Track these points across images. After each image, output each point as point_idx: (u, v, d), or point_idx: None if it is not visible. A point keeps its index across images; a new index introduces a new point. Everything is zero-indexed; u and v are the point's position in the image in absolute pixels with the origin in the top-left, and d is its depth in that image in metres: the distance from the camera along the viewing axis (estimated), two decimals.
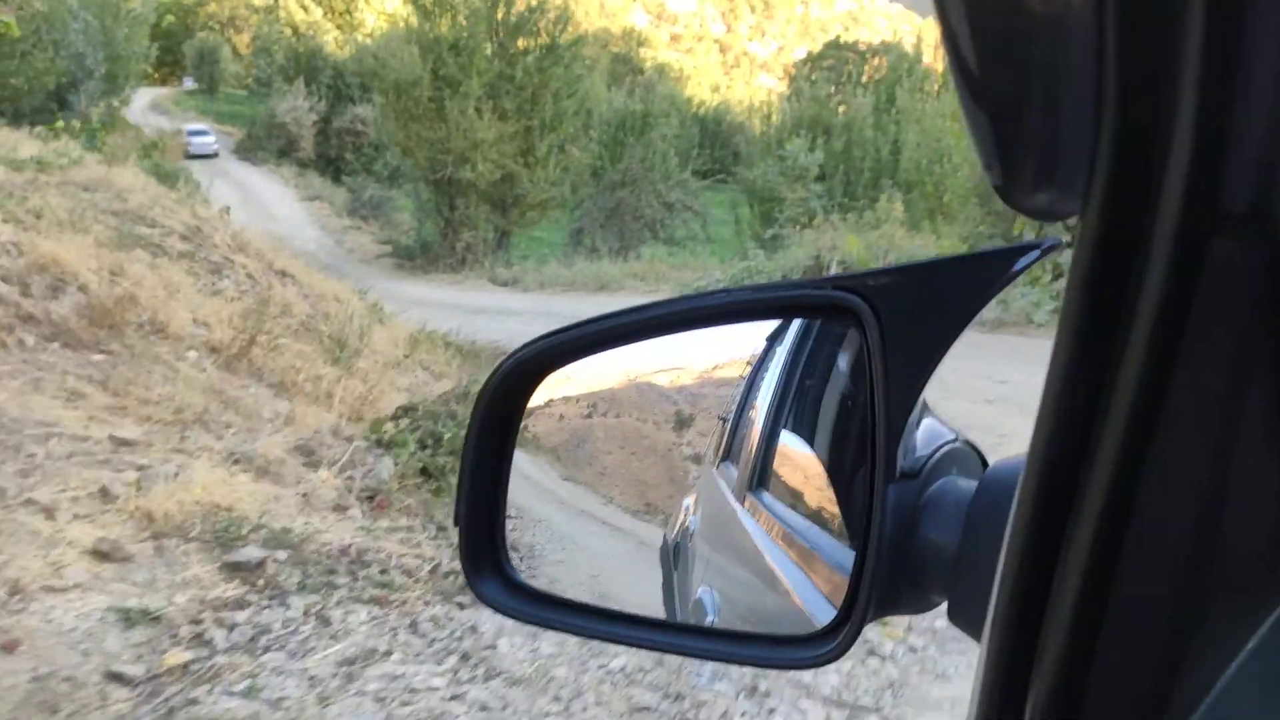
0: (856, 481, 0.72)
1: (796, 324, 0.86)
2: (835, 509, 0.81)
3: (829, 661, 0.71)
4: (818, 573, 0.80)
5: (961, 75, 0.42)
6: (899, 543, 0.68)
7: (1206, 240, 0.39)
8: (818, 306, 0.77)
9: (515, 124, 29.82)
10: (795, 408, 0.89)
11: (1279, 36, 0.34)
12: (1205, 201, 0.39)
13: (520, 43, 30.18)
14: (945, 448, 0.74)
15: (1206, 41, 0.35)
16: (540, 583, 0.85)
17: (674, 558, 0.95)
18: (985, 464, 0.78)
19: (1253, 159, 0.38)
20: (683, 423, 0.95)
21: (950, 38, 0.41)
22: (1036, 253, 0.65)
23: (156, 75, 63.36)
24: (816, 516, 0.85)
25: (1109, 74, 0.38)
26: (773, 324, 0.86)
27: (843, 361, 0.79)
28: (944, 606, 0.72)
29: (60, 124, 20.85)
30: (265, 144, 43.82)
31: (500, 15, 29.92)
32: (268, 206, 33.46)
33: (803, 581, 0.84)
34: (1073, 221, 0.45)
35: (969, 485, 0.70)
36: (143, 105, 50.78)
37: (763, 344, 0.88)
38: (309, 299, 12.39)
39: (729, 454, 0.96)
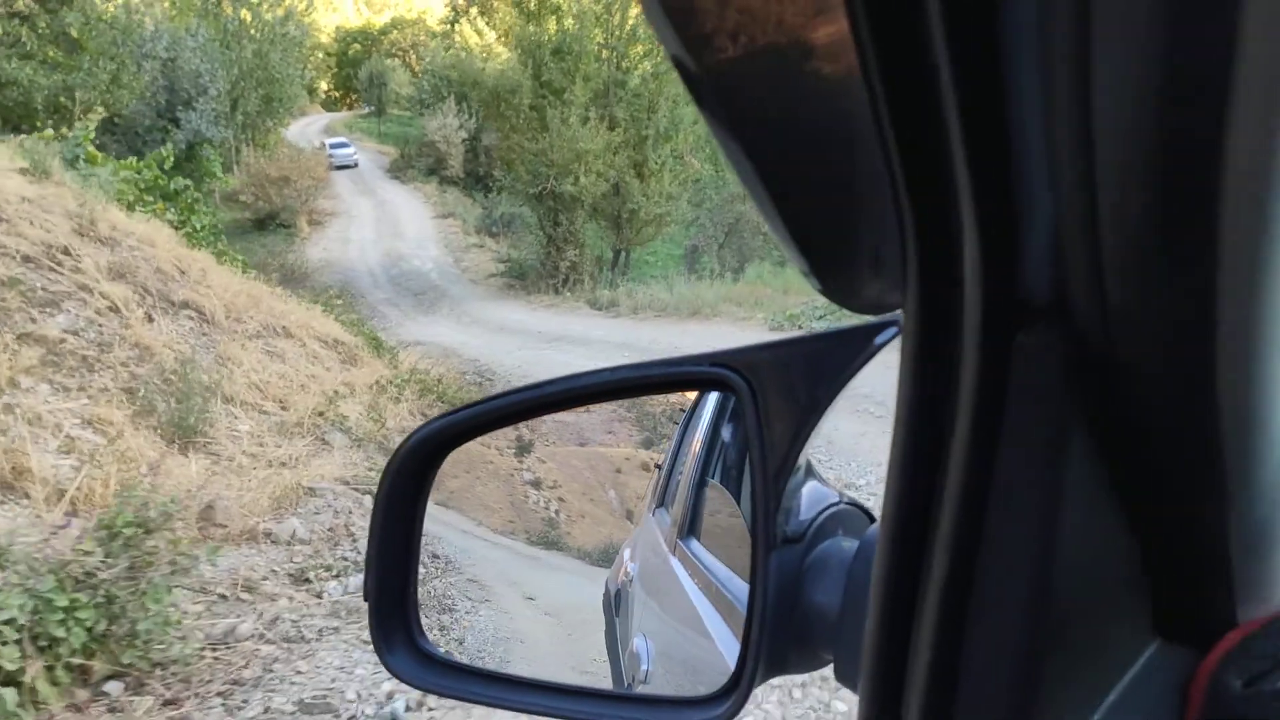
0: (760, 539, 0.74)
1: None
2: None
3: None
4: (738, 625, 0.82)
5: (771, 201, 0.44)
6: (785, 606, 0.70)
7: (1011, 333, 0.41)
8: (698, 381, 0.81)
9: (626, 133, 27.50)
10: (721, 460, 0.91)
11: (1042, 135, 0.36)
12: (1004, 295, 0.41)
13: (638, 47, 27.99)
14: (829, 510, 0.76)
15: (970, 139, 0.37)
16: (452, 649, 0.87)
17: (615, 605, 0.98)
18: (872, 521, 0.80)
19: (1042, 250, 0.40)
20: (523, 449, 1.00)
21: (757, 168, 0.43)
22: (895, 329, 0.67)
23: (345, 100, 67.60)
24: (738, 568, 0.87)
25: (897, 175, 0.40)
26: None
27: (726, 433, 0.83)
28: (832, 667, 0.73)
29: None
30: (415, 162, 44.06)
31: (616, 19, 27.78)
32: (399, 224, 33.75)
33: (724, 632, 0.86)
34: None
35: (852, 545, 0.72)
36: (318, 128, 53.15)
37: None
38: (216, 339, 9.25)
39: (663, 501, 0.99)
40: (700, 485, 0.94)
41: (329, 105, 69.09)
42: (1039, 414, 0.43)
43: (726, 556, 0.90)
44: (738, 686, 0.72)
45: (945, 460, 0.45)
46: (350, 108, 66.48)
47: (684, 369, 0.79)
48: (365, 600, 0.82)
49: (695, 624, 0.91)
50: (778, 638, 0.69)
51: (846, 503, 0.79)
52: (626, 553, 1.00)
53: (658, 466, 0.99)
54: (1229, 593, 0.52)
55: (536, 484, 1.02)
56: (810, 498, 0.75)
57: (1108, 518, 0.48)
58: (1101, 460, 0.46)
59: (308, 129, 50.22)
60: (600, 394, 0.82)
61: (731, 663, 0.78)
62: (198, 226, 17.32)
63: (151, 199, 15.78)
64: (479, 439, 0.89)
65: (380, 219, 32.55)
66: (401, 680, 0.83)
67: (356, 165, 44.07)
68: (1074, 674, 0.48)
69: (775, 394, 0.69)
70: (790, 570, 0.71)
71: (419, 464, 0.83)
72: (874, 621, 0.49)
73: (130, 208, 12.75)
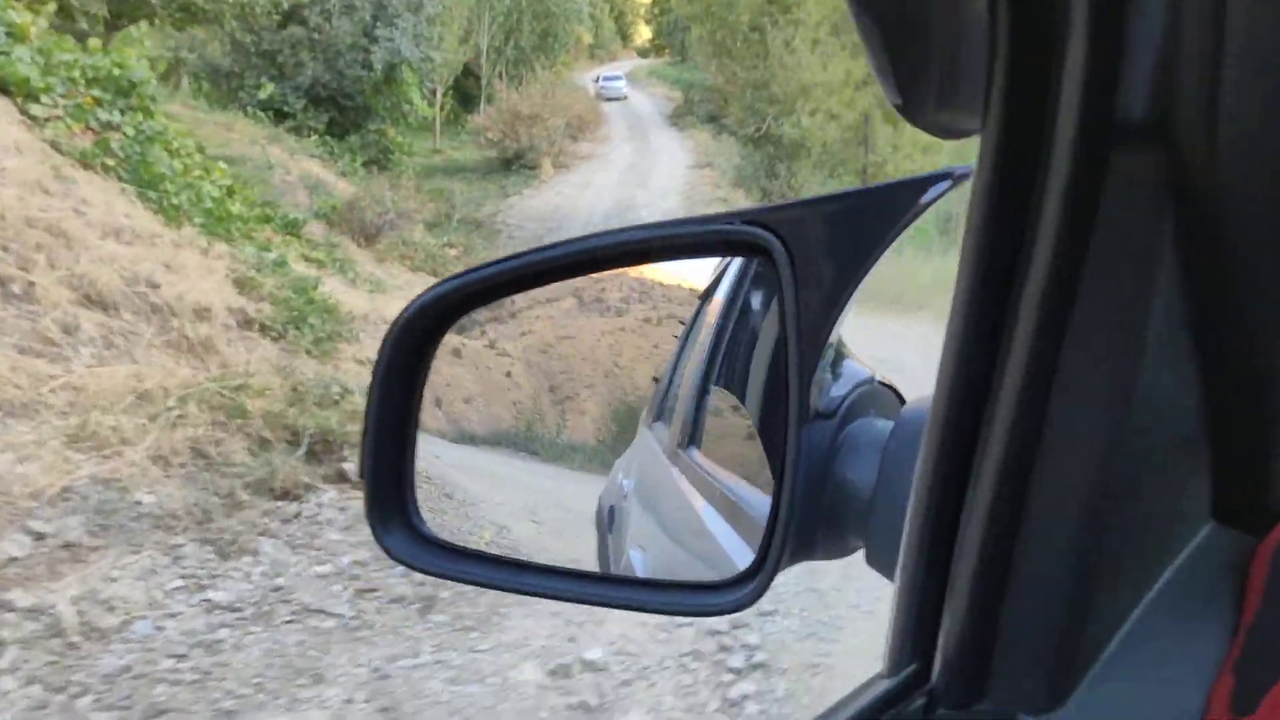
0: (777, 427, 0.69)
1: (726, 278, 0.85)
2: (762, 462, 0.80)
3: (741, 608, 0.69)
4: (743, 525, 0.78)
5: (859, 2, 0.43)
6: (814, 485, 0.66)
7: (1106, 153, 0.39)
8: (728, 243, 0.74)
9: None
10: (726, 362, 0.87)
11: None
12: (1102, 114, 0.39)
13: None
14: (862, 388, 0.72)
15: None
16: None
17: (609, 520, 0.96)
18: (903, 404, 0.74)
19: (1147, 71, 0.38)
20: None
21: None
22: (949, 182, 0.63)
23: (662, 48, 68.18)
24: (744, 471, 0.83)
25: None
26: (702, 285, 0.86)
27: (758, 304, 0.78)
28: (862, 553, 0.68)
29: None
30: (695, 108, 42.23)
31: None
32: (650, 172, 31.73)
33: (729, 534, 0.82)
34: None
35: (885, 425, 0.67)
36: (623, 73, 53.34)
37: (695, 303, 0.88)
38: None
39: (661, 414, 0.96)
40: (702, 393, 0.91)
41: (645, 53, 70.45)
42: (1129, 249, 0.40)
43: (730, 461, 0.86)
44: (760, 570, 0.67)
45: (1015, 306, 0.42)
46: (664, 54, 67.34)
47: (713, 228, 0.73)
48: (360, 477, 0.78)
49: (697, 528, 0.88)
50: (806, 517, 0.65)
51: (879, 380, 0.74)
52: (620, 469, 0.98)
53: (655, 380, 0.97)
54: None
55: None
56: (843, 374, 0.71)
57: (1183, 378, 0.45)
58: (1186, 310, 0.42)
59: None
60: (621, 257, 0.78)
61: (739, 562, 0.74)
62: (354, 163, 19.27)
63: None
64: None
65: (633, 165, 31.27)
66: (399, 562, 0.80)
67: (625, 98, 44.29)
68: (1129, 554, 0.46)
69: (814, 254, 0.64)
70: (821, 447, 0.67)
71: (421, 333, 0.78)
72: (920, 496, 0.47)
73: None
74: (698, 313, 0.89)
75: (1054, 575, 0.44)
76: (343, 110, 22.85)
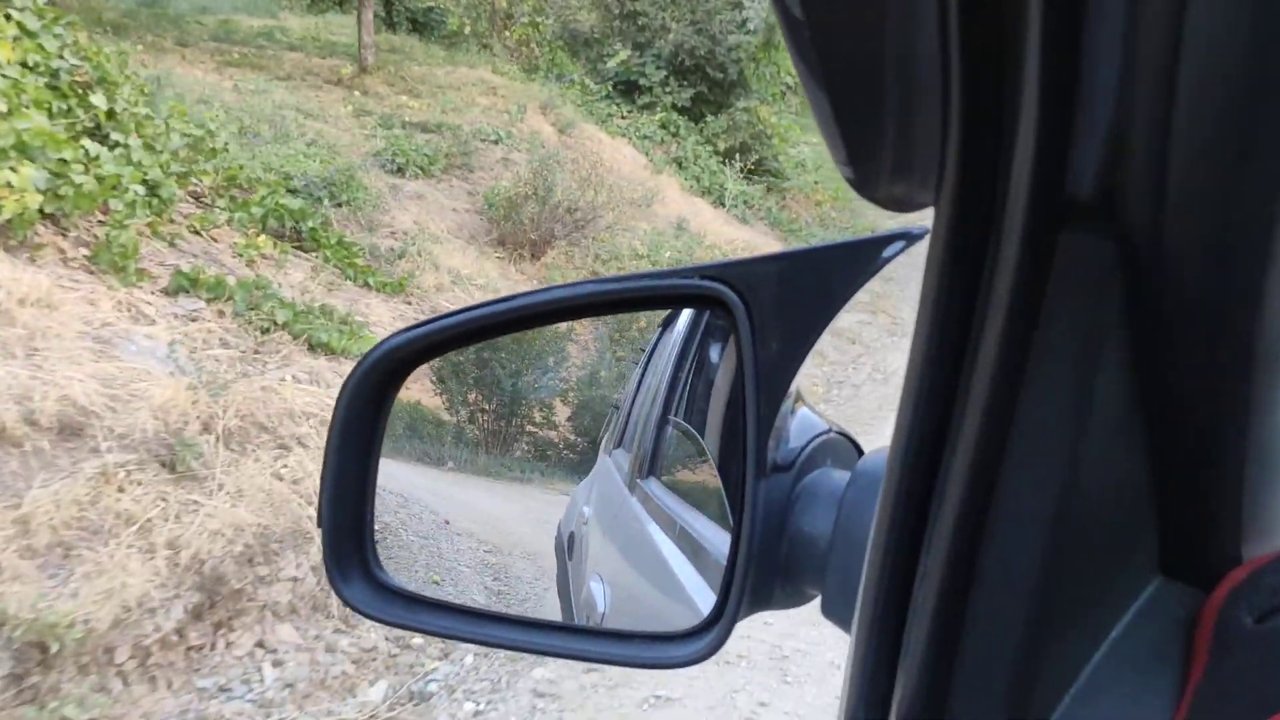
0: (735, 474, 0.70)
1: (686, 313, 0.85)
2: (722, 499, 0.79)
3: (699, 660, 0.69)
4: (701, 561, 0.79)
5: (808, 70, 0.42)
6: (771, 537, 0.67)
7: (1055, 232, 0.40)
8: (687, 297, 0.75)
9: None
10: (685, 396, 0.88)
11: (1119, 28, 0.35)
12: (1052, 192, 0.39)
13: None
14: (819, 439, 0.72)
15: (1046, 30, 0.35)
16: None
17: (568, 548, 0.95)
18: (861, 454, 0.75)
19: (1097, 150, 0.38)
20: None
21: (794, 30, 0.41)
22: (903, 243, 0.64)
23: None
24: (703, 506, 0.83)
25: (954, 65, 0.38)
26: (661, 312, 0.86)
27: (715, 351, 0.79)
28: (819, 601, 0.69)
29: None
30: None
31: None
32: None
33: (686, 569, 0.83)
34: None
35: (843, 476, 0.68)
36: None
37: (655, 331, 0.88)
38: None
39: (621, 441, 0.96)
40: (662, 424, 0.91)
41: None
42: (1077, 323, 0.41)
43: (691, 495, 0.87)
44: (719, 620, 0.68)
45: (969, 371, 0.43)
46: None
47: (673, 282, 0.74)
48: (318, 526, 0.77)
49: (658, 564, 0.88)
50: (763, 569, 0.66)
51: (836, 432, 0.75)
52: (581, 494, 0.98)
53: (615, 407, 0.96)
54: (1236, 530, 0.51)
55: None
56: (800, 425, 0.72)
57: (1130, 441, 0.46)
58: (1133, 374, 0.43)
59: None
60: (580, 309, 0.78)
61: (699, 602, 0.75)
62: None
63: None
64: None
65: None
66: (357, 611, 0.80)
67: None
68: (1080, 610, 0.47)
69: (771, 310, 0.65)
70: (778, 499, 0.67)
71: (377, 383, 0.78)
72: (876, 548, 0.48)
73: None
74: (658, 339, 0.89)
75: (1007, 631, 0.44)
76: (711, 84, 16.42)
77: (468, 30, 16.61)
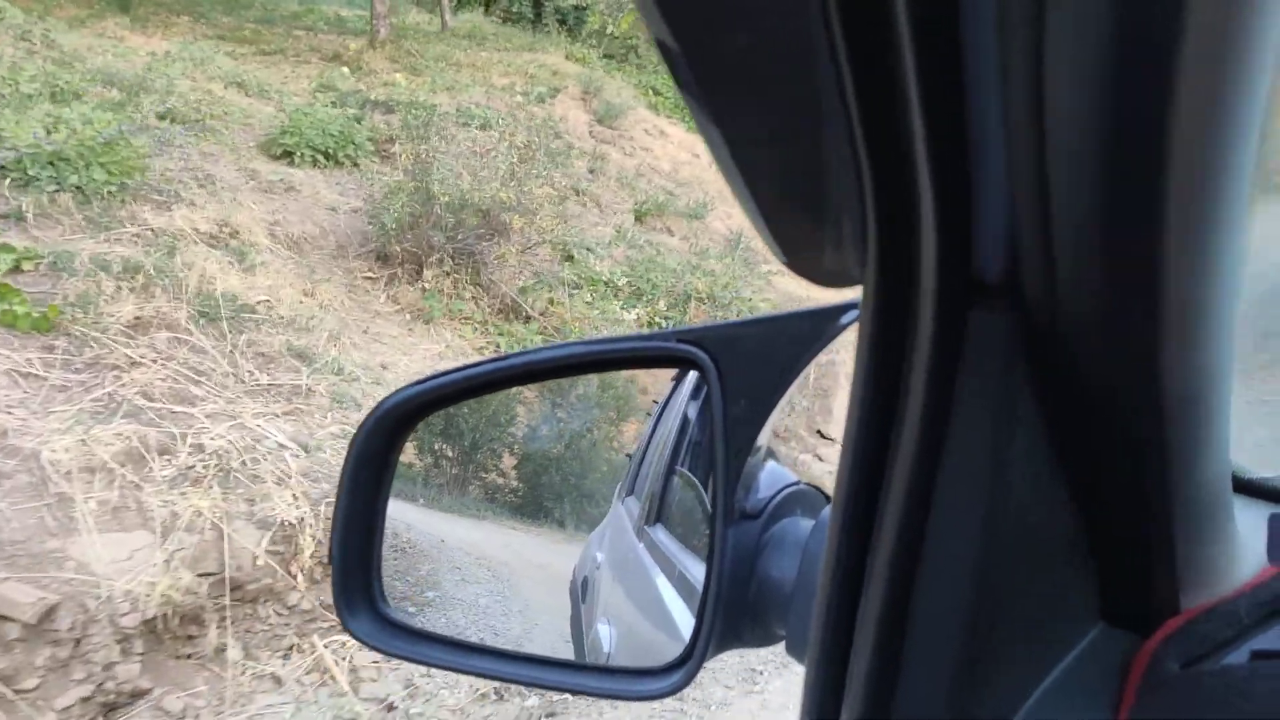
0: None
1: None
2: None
3: (669, 694, 0.75)
4: (695, 605, 0.85)
5: (740, 183, 0.46)
6: (741, 579, 0.71)
7: (965, 309, 0.44)
8: (666, 358, 0.81)
9: None
10: (691, 448, 0.93)
11: (998, 114, 0.38)
12: (958, 274, 0.43)
13: None
14: (788, 489, 0.77)
15: (932, 126, 0.39)
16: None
17: (582, 592, 1.01)
18: (829, 501, 0.79)
19: (994, 238, 0.42)
20: None
21: (716, 150, 0.45)
22: (856, 311, 0.67)
23: None
24: (700, 552, 0.88)
25: (862, 166, 0.42)
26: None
27: (691, 410, 0.84)
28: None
29: None
30: None
31: None
32: None
33: (685, 615, 0.88)
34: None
35: (808, 524, 0.73)
36: None
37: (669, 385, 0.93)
38: None
39: (633, 489, 1.01)
40: (669, 473, 0.96)
41: None
42: (990, 387, 0.44)
43: (689, 541, 0.92)
44: (690, 658, 0.74)
45: (898, 432, 0.47)
46: None
47: (652, 344, 0.81)
48: (329, 562, 0.86)
49: (656, 605, 0.93)
50: (732, 611, 0.71)
51: (805, 484, 0.80)
52: (594, 541, 1.03)
53: (628, 456, 1.02)
54: (1172, 579, 0.53)
55: None
56: (769, 477, 0.77)
57: (1055, 493, 0.49)
58: (1050, 435, 0.47)
59: None
60: (567, 368, 0.84)
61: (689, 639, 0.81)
62: None
63: None
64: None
65: None
66: (362, 644, 0.86)
67: None
68: (1016, 652, 0.49)
69: (740, 371, 0.70)
70: (747, 545, 0.72)
71: (386, 433, 0.85)
72: (822, 593, 0.51)
73: None
74: (671, 393, 0.94)
75: (942, 675, 0.46)
76: None
77: (610, 30, 15.76)
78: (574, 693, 0.86)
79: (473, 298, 7.29)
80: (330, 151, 8.30)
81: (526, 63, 12.91)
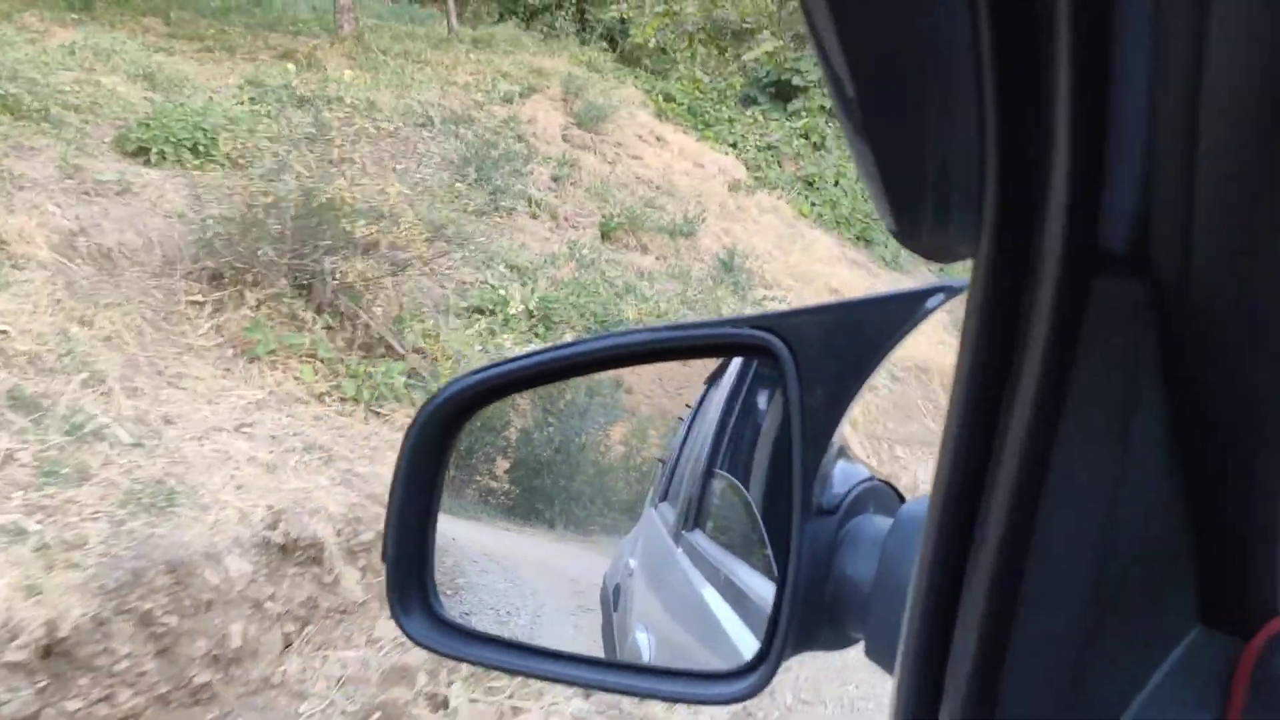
0: (780, 519, 0.73)
1: (733, 367, 0.88)
2: (765, 548, 0.82)
3: (747, 697, 0.71)
4: (745, 609, 0.81)
5: (852, 125, 0.44)
6: (816, 579, 0.69)
7: (1089, 279, 0.41)
8: (736, 345, 0.78)
9: None
10: (731, 449, 0.91)
11: (1143, 84, 0.37)
12: (1085, 242, 0.41)
13: None
14: (862, 485, 0.75)
15: (1074, 85, 0.37)
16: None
17: (614, 599, 0.98)
18: (903, 501, 0.78)
19: (1127, 200, 0.40)
20: None
21: (838, 87, 0.43)
22: (943, 295, 0.67)
23: None
24: (747, 555, 0.86)
25: (989, 123, 0.40)
26: (711, 367, 0.89)
27: (762, 400, 0.82)
28: (863, 644, 0.71)
29: None
30: None
31: None
32: None
33: (731, 618, 0.85)
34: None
35: (885, 522, 0.71)
36: None
37: (701, 388, 0.91)
38: None
39: (667, 495, 0.99)
40: (708, 475, 0.94)
41: None
42: (1112, 369, 0.42)
43: (734, 545, 0.89)
44: (765, 660, 0.70)
45: (1008, 415, 0.44)
46: None
47: (723, 331, 0.78)
48: (383, 559, 0.81)
49: (702, 612, 0.90)
50: (809, 610, 0.68)
51: (879, 481, 0.78)
52: (625, 547, 1.01)
53: (660, 461, 0.99)
54: (1273, 579, 0.52)
55: None
56: (843, 472, 0.75)
57: (1168, 488, 0.47)
58: (1169, 425, 0.45)
59: None
60: (635, 356, 0.81)
61: (742, 648, 0.77)
62: None
63: None
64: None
65: None
66: (417, 644, 0.82)
67: None
68: (1119, 657, 0.47)
69: (818, 359, 0.68)
70: (824, 542, 0.70)
71: (443, 424, 0.82)
72: (919, 591, 0.49)
73: None
74: (704, 396, 0.92)
75: (1046, 678, 0.45)
76: None
77: (653, 43, 14.68)
78: (640, 696, 0.83)
79: (325, 328, 5.82)
80: (202, 148, 7.15)
81: (516, 64, 12.02)
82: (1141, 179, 0.39)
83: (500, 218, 8.29)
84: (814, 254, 10.50)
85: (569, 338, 6.87)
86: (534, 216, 9.05)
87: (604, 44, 14.48)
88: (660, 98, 12.84)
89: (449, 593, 0.87)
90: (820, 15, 0.38)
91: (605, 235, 9.32)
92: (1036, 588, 0.44)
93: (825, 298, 8.96)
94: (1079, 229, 0.40)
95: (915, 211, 0.47)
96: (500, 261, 7.55)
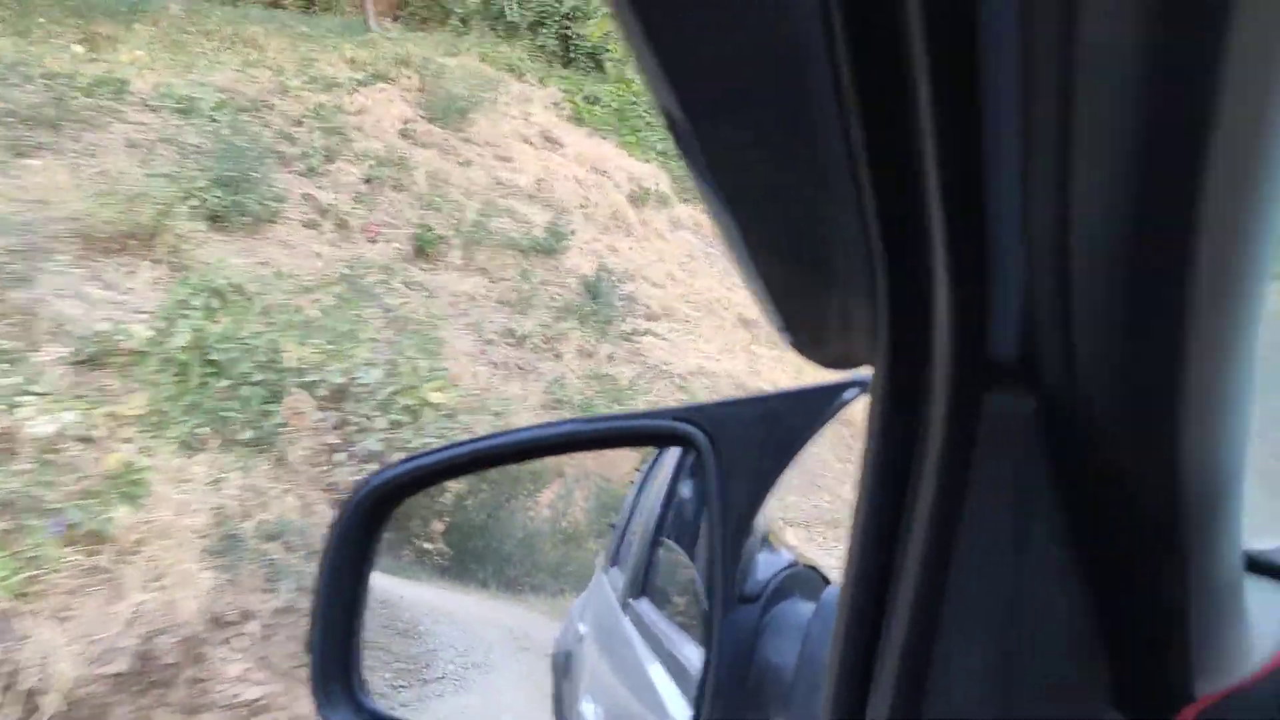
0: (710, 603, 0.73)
1: None
2: (707, 624, 0.83)
3: None
4: (688, 685, 0.81)
5: (749, 256, 0.44)
6: (740, 666, 0.70)
7: (979, 392, 0.42)
8: (659, 436, 0.80)
9: None
10: (676, 518, 0.92)
11: (1018, 199, 0.37)
12: (973, 356, 0.41)
13: None
14: (786, 571, 0.76)
15: (948, 207, 0.37)
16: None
17: (565, 667, 0.97)
18: (827, 584, 0.79)
19: (1011, 319, 0.41)
20: None
21: (728, 233, 0.43)
22: (857, 389, 0.68)
23: None
24: (689, 629, 0.86)
25: (874, 241, 0.40)
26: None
27: (685, 489, 0.83)
28: None
29: None
30: None
31: None
32: None
33: (674, 694, 0.85)
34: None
35: (809, 607, 0.72)
36: None
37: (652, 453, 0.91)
38: None
39: (617, 559, 0.99)
40: (654, 544, 0.95)
41: None
42: (1007, 473, 0.43)
43: (677, 616, 0.90)
44: None
45: (909, 520, 0.45)
46: None
47: (646, 423, 0.79)
48: (307, 650, 0.80)
49: (645, 685, 0.91)
50: (731, 698, 0.69)
51: (804, 565, 0.79)
52: (576, 612, 1.00)
53: (612, 526, 0.99)
54: (1186, 666, 0.52)
55: None
56: (767, 559, 0.76)
57: (1071, 582, 0.47)
58: (1066, 522, 0.46)
59: None
60: (556, 447, 0.82)
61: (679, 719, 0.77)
62: None
63: None
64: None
65: None
66: None
67: None
68: None
69: (737, 451, 0.69)
70: (746, 630, 0.71)
71: (366, 518, 0.82)
72: (831, 685, 0.49)
73: None
74: (654, 462, 0.92)
75: None
76: None
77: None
78: None
79: None
80: None
81: (380, 55, 10.11)
82: (1023, 293, 0.40)
83: (244, 226, 6.47)
84: (731, 278, 8.56)
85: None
86: (311, 226, 7.20)
87: (591, 64, 13.38)
88: (581, 99, 11.80)
89: (414, 636, 0.83)
90: (698, 164, 0.39)
91: (421, 251, 7.66)
92: (943, 679, 0.45)
93: (728, 332, 8.25)
94: (967, 343, 0.41)
95: (812, 331, 0.49)
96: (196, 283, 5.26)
